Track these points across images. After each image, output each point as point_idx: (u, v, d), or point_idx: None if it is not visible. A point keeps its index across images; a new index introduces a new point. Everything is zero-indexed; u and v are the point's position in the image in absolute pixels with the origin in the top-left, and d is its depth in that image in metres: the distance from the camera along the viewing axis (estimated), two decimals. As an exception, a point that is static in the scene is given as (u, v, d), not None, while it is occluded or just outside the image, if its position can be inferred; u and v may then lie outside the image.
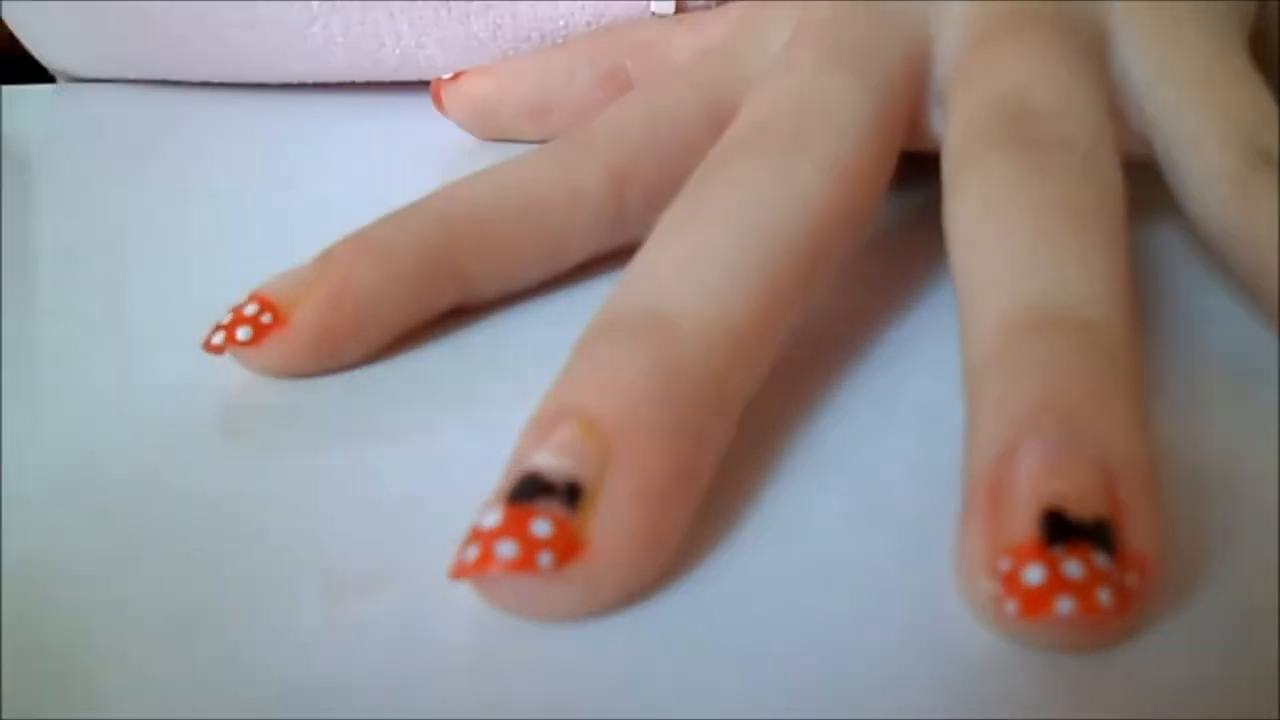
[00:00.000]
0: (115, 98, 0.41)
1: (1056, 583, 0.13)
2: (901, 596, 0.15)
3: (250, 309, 0.20)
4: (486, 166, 0.23)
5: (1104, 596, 0.13)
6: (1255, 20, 0.24)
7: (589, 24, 0.34)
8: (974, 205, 0.19)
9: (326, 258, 0.21)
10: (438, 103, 0.33)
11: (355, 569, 0.16)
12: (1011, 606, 0.14)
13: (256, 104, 0.38)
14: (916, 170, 0.23)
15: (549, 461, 0.15)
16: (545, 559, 0.14)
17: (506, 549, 0.14)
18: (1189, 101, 0.21)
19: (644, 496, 0.15)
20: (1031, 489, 0.14)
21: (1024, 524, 0.14)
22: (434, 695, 0.14)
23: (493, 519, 0.15)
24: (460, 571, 0.14)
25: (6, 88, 0.42)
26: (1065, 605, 0.13)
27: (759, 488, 0.17)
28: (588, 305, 0.18)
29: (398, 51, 0.35)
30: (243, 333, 0.20)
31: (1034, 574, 0.14)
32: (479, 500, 0.15)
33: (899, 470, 0.18)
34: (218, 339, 0.20)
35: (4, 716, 0.14)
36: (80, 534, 0.17)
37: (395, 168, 0.32)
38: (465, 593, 0.15)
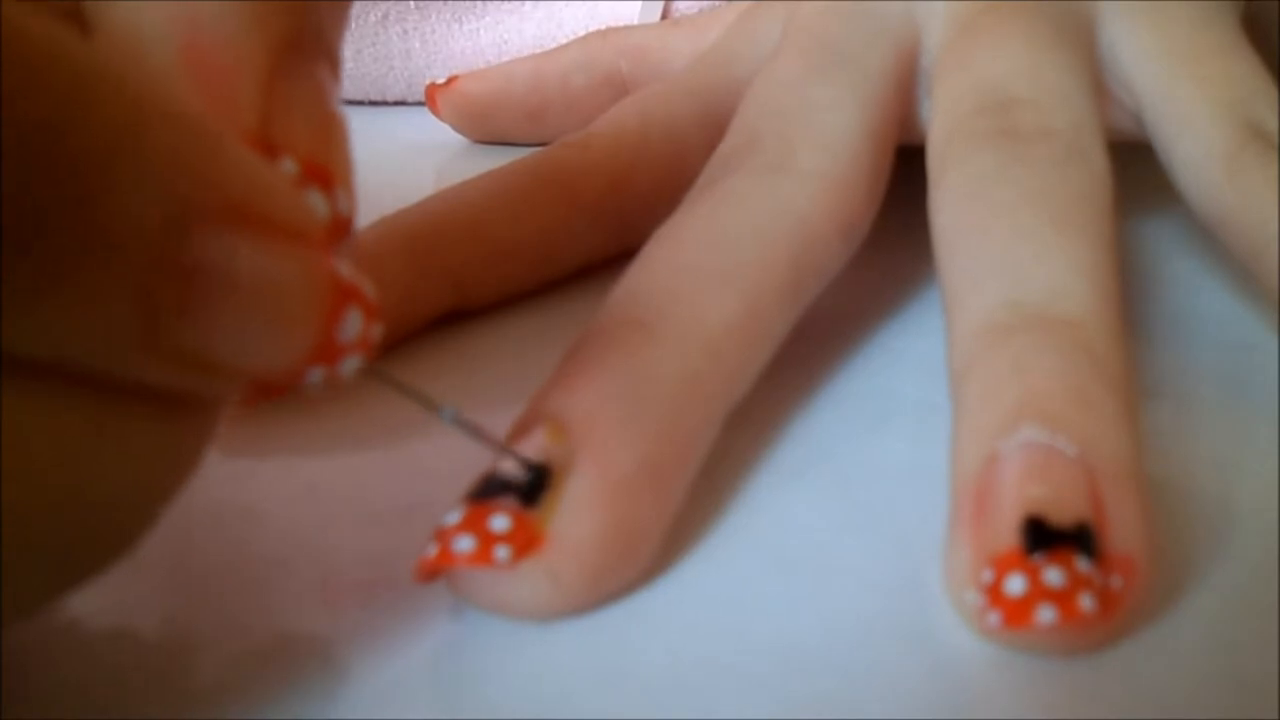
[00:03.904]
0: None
1: (1037, 592, 0.13)
2: (894, 597, 0.15)
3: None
4: (481, 169, 0.23)
5: (1086, 602, 0.13)
6: (1244, 15, 0.24)
7: None
8: (954, 201, 0.19)
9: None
10: (432, 106, 0.33)
11: (350, 574, 0.16)
12: (994, 618, 0.14)
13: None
14: (914, 167, 0.23)
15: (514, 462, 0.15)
16: (503, 552, 0.14)
17: (464, 543, 0.14)
18: (1179, 77, 0.21)
19: (606, 492, 0.15)
20: (1012, 495, 0.14)
21: (1005, 532, 0.14)
22: (428, 699, 0.14)
23: (453, 517, 0.15)
24: (422, 569, 0.15)
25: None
26: (1046, 614, 0.13)
27: (750, 488, 0.17)
28: (585, 310, 0.18)
29: (406, 75, 0.36)
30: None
31: (1015, 584, 0.14)
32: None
33: (893, 472, 0.18)
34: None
35: (4, 717, 0.14)
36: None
37: (390, 171, 0.32)
38: (454, 598, 0.15)
